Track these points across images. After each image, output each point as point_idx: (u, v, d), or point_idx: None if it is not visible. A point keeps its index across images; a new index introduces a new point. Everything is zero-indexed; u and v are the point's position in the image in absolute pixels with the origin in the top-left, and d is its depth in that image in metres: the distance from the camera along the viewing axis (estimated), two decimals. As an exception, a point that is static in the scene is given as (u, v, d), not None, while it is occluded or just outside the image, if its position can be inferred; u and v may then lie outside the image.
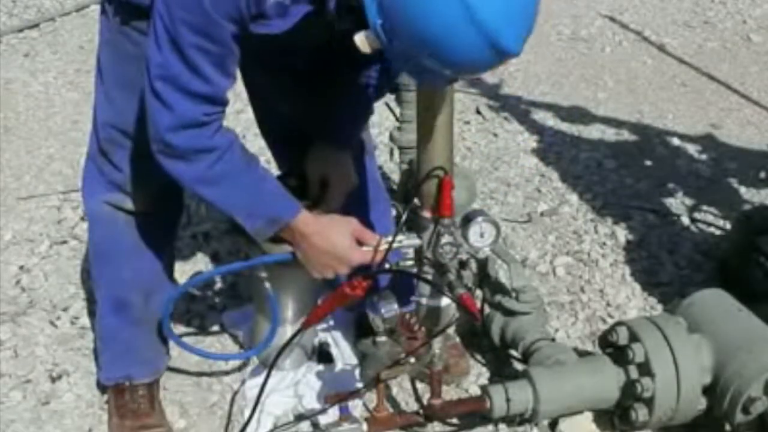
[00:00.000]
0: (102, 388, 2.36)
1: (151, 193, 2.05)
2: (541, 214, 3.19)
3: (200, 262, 2.87)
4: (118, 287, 2.17)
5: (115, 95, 1.97)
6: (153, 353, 2.29)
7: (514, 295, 2.34)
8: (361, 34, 1.54)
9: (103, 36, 1.99)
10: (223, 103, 1.75)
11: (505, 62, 1.51)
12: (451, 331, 2.41)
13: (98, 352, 2.34)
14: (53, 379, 2.43)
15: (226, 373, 2.45)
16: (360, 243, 1.89)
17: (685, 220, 3.13)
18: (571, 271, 2.88)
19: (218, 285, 2.74)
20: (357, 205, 2.18)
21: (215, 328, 2.60)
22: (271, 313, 2.14)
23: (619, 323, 2.19)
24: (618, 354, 2.15)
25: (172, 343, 2.31)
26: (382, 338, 1.97)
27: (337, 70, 2.02)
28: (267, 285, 2.14)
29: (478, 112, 3.96)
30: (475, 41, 1.44)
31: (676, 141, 3.70)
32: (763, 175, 3.42)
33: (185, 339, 2.47)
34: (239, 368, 2.45)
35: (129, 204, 2.07)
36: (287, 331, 2.20)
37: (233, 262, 2.07)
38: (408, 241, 1.93)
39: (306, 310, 2.22)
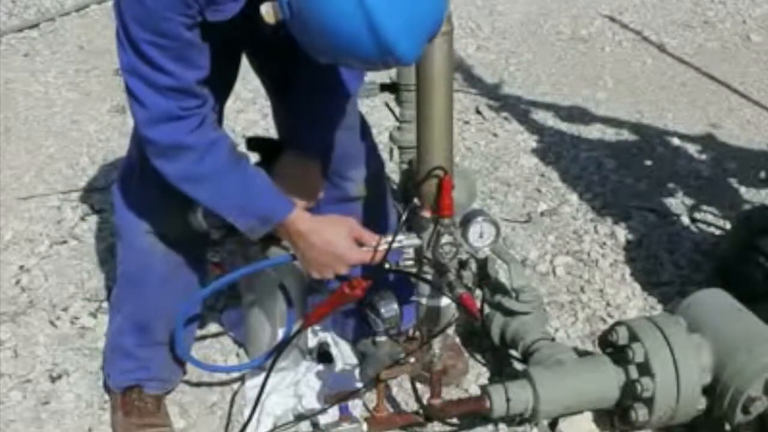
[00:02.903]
0: (106, 387, 2.36)
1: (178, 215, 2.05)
2: (541, 214, 3.19)
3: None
4: (142, 312, 2.18)
5: None
6: (168, 372, 2.30)
7: (514, 295, 2.34)
8: (266, 5, 1.54)
9: None
10: (197, 95, 1.75)
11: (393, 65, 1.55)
12: (450, 331, 2.41)
13: (108, 362, 2.33)
14: (53, 379, 2.43)
15: (227, 371, 2.45)
16: (359, 243, 1.89)
17: (685, 220, 3.13)
18: (571, 270, 2.88)
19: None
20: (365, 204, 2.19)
21: (215, 328, 2.60)
22: (281, 312, 2.14)
23: (619, 323, 2.19)
24: (618, 354, 2.16)
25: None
26: (382, 338, 1.97)
27: (304, 75, 1.99)
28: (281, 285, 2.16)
29: (478, 112, 3.96)
30: (370, 47, 1.46)
31: (676, 141, 3.70)
32: (763, 175, 3.42)
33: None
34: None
35: (163, 227, 2.06)
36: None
37: (234, 271, 2.08)
38: (408, 241, 1.93)
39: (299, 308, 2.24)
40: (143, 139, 1.78)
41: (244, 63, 2.12)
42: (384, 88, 2.67)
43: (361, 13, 1.42)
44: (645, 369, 2.08)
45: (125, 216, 2.11)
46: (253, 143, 2.24)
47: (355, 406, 2.21)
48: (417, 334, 2.13)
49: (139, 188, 2.05)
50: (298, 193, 1.99)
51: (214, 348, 2.53)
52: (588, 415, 2.22)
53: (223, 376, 2.43)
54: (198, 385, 2.41)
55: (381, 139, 3.36)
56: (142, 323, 2.19)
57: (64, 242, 3.01)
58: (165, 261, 2.10)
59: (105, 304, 2.66)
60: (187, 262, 2.14)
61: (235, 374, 2.41)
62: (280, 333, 2.18)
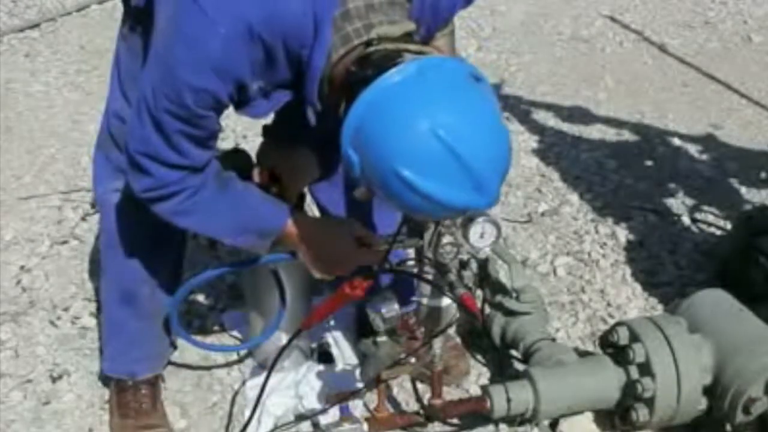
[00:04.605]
0: (104, 380, 2.37)
1: None
2: (542, 214, 3.19)
3: (199, 263, 2.86)
4: (126, 278, 2.15)
5: (127, 88, 1.95)
6: (157, 347, 2.29)
7: (514, 295, 2.34)
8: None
9: (121, 29, 1.97)
10: (202, 169, 1.74)
11: None
12: (451, 331, 2.41)
13: (102, 344, 2.33)
14: (54, 379, 2.43)
15: (228, 371, 2.45)
16: (361, 243, 1.89)
17: (686, 220, 3.13)
18: (571, 271, 2.88)
19: (219, 286, 2.74)
20: (366, 206, 2.19)
21: (216, 328, 2.60)
22: (272, 306, 2.14)
23: (620, 323, 2.20)
24: (618, 354, 2.16)
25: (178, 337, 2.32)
26: (383, 338, 1.97)
27: None
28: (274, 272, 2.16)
29: (479, 112, 3.95)
30: (444, 213, 1.53)
31: (676, 141, 3.69)
32: (763, 175, 3.42)
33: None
34: (239, 367, 2.45)
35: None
36: (285, 332, 2.21)
37: (235, 262, 2.08)
38: (409, 241, 1.93)
39: (302, 309, 2.24)
40: (136, 196, 1.77)
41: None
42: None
43: (422, 198, 1.44)
44: (646, 369, 2.08)
45: (100, 180, 2.10)
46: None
47: (356, 407, 2.21)
48: (418, 333, 2.13)
49: (108, 152, 2.04)
50: (289, 165, 2.00)
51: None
52: (589, 416, 2.22)
53: (224, 376, 2.43)
54: (198, 385, 2.41)
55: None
56: (127, 291, 2.16)
57: (65, 242, 3.01)
58: (139, 219, 2.02)
59: (106, 305, 2.67)
60: (165, 224, 2.11)
61: (233, 356, 2.44)
62: (284, 334, 2.17)
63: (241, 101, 1.68)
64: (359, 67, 1.54)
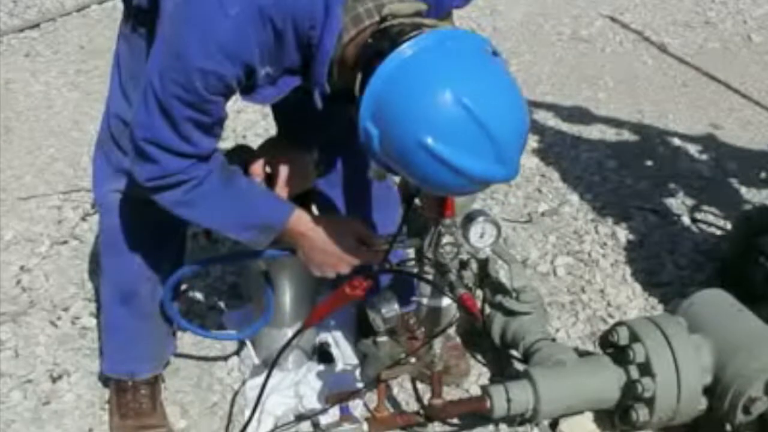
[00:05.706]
0: (104, 381, 2.37)
1: None
2: (542, 214, 3.19)
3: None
4: (126, 277, 2.15)
5: (128, 89, 1.95)
6: (157, 347, 2.29)
7: (514, 295, 2.34)
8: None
9: (121, 29, 1.97)
10: (207, 158, 1.74)
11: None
12: (451, 331, 2.41)
13: (102, 344, 2.33)
14: (54, 379, 2.43)
15: (228, 371, 2.45)
16: (362, 243, 1.89)
17: (686, 220, 3.13)
18: (571, 271, 2.88)
19: (219, 285, 2.75)
20: (366, 206, 2.19)
21: (216, 328, 2.59)
22: (267, 303, 2.15)
23: (620, 323, 2.20)
24: (618, 354, 2.16)
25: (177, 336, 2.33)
26: (383, 338, 1.97)
27: None
28: (264, 272, 2.16)
29: (479, 112, 3.95)
30: (465, 185, 1.52)
31: (676, 141, 3.70)
32: (763, 175, 3.42)
33: (186, 340, 2.49)
34: (239, 367, 2.45)
35: (136, 190, 2.05)
36: (287, 332, 2.21)
37: (233, 254, 2.08)
38: (409, 241, 1.93)
39: (304, 309, 2.24)
40: (139, 185, 1.77)
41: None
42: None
43: (443, 168, 1.45)
44: (646, 369, 2.08)
45: (100, 181, 2.09)
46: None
47: (356, 407, 2.21)
48: (418, 333, 2.13)
49: (108, 152, 2.04)
50: (285, 165, 2.01)
51: (215, 348, 2.53)
52: (589, 416, 2.22)
53: (224, 376, 2.43)
54: (198, 385, 2.41)
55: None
56: (127, 290, 2.16)
57: (65, 242, 3.01)
58: (138, 219, 2.05)
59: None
60: (164, 222, 2.03)
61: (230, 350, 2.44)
62: (288, 332, 2.17)
63: (248, 87, 1.68)
64: (377, 40, 1.55)
